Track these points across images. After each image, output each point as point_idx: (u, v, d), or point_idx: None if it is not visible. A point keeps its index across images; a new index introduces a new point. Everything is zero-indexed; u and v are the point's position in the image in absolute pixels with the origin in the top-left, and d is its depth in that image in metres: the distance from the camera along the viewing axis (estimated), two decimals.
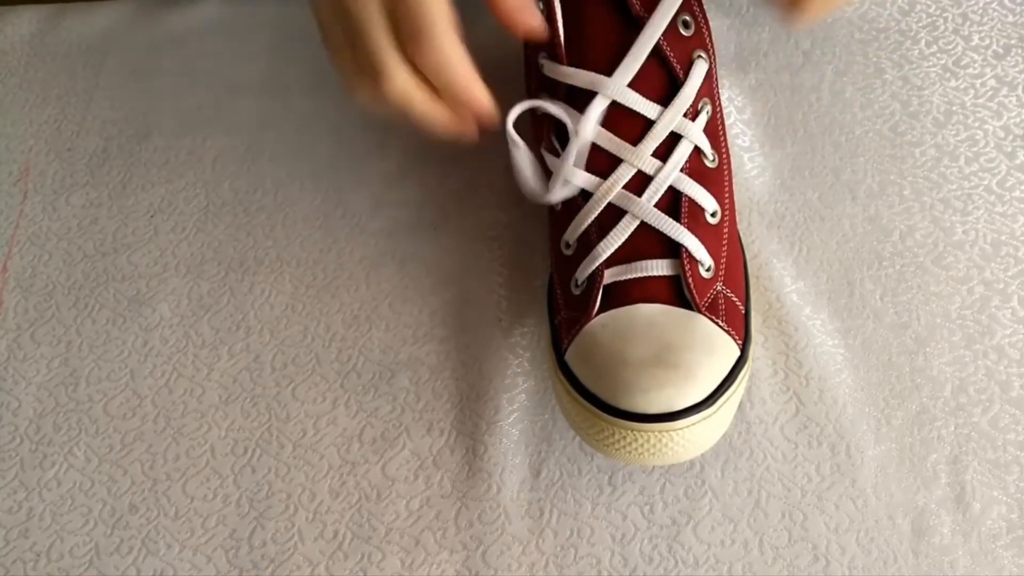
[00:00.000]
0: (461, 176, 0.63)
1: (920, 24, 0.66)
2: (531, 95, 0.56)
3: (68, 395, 0.57)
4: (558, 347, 0.50)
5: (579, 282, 0.50)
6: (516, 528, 0.51)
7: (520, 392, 0.54)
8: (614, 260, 0.49)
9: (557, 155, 0.52)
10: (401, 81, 0.45)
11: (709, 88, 0.53)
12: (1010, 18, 0.65)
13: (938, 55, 0.64)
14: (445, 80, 0.45)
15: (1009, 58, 0.63)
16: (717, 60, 0.61)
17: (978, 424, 0.51)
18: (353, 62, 0.46)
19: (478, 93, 0.46)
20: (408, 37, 0.44)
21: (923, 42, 0.65)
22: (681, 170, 0.50)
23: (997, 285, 0.55)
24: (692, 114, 0.51)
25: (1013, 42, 0.64)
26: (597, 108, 0.50)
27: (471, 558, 0.50)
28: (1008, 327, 0.54)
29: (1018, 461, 0.50)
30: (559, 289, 0.52)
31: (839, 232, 0.58)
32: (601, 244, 0.49)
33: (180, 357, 0.58)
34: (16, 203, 0.66)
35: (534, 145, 0.54)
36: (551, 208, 0.54)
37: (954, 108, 0.62)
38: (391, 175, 0.64)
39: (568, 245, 0.51)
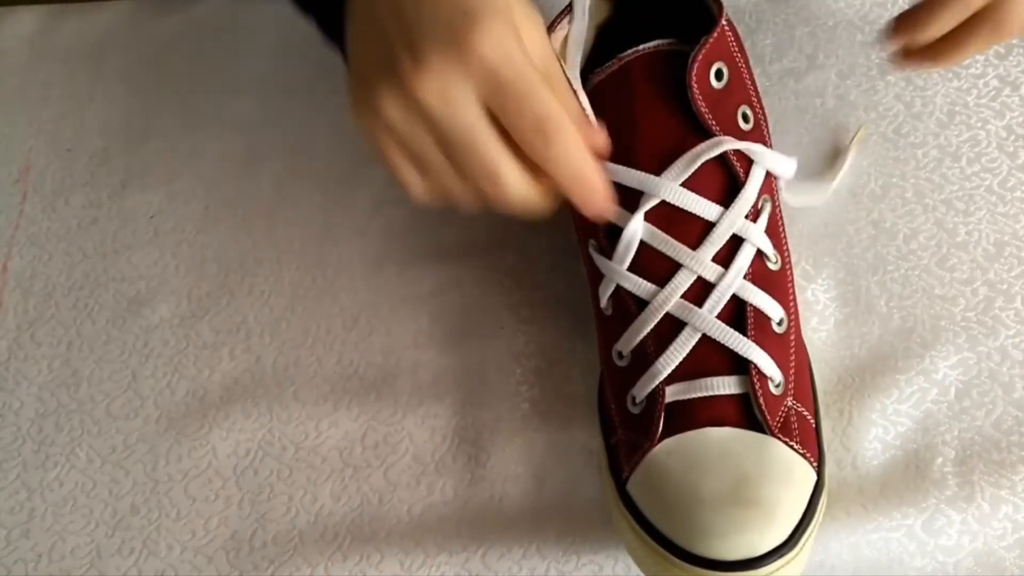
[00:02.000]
0: None
1: None
2: None
3: (70, 395, 0.57)
4: (618, 473, 0.47)
5: (637, 400, 0.47)
6: (517, 532, 0.50)
7: (523, 401, 0.54)
8: (675, 376, 0.46)
9: (605, 254, 0.49)
10: (517, 182, 0.41)
11: (768, 184, 0.50)
12: None
13: None
14: (571, 171, 0.41)
15: (1011, 58, 0.63)
16: None
17: (982, 428, 0.51)
18: (441, 172, 0.42)
19: (599, 182, 0.42)
20: (532, 133, 0.40)
21: None
22: (744, 276, 0.47)
23: (1001, 286, 0.55)
24: (753, 214, 0.48)
25: (1015, 42, 0.64)
26: (646, 208, 0.47)
27: (470, 560, 0.50)
28: (1012, 327, 0.54)
29: None
30: (613, 404, 0.49)
31: (844, 238, 0.57)
32: (661, 359, 0.46)
33: (181, 358, 0.58)
34: (16, 203, 0.66)
35: (581, 241, 0.52)
36: (598, 310, 0.50)
37: (957, 108, 0.61)
38: (391, 176, 0.64)
39: (621, 356, 0.48)
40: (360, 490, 0.52)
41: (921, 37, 0.48)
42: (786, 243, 0.51)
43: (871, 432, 0.51)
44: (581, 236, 0.52)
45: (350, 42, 0.43)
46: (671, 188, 0.47)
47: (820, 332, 0.55)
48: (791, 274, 0.50)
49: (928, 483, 0.50)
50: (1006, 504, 0.49)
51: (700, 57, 0.48)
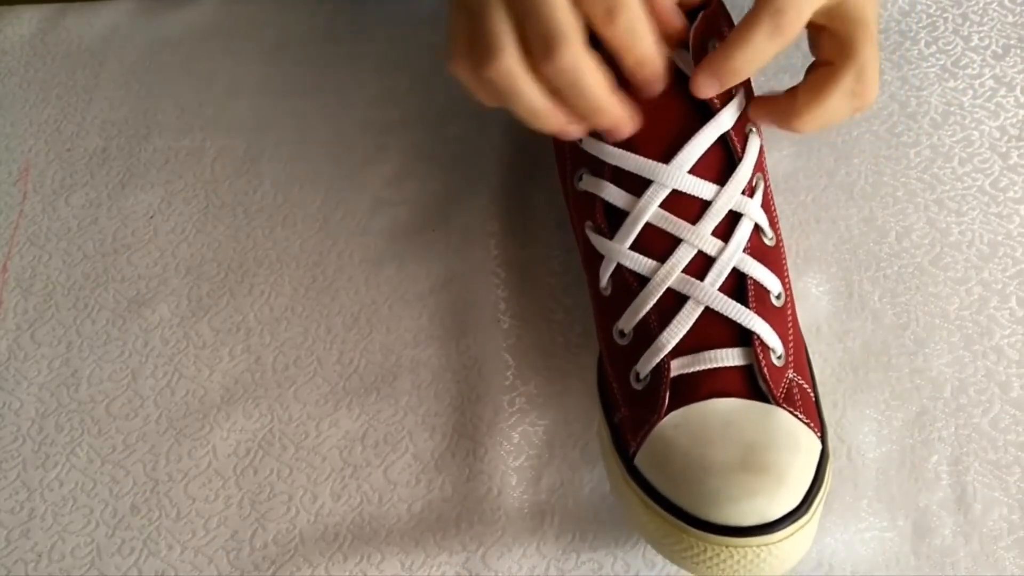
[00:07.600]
0: (461, 177, 0.63)
1: (920, 24, 0.66)
2: (561, 158, 0.54)
3: (70, 395, 0.57)
4: (623, 450, 0.47)
5: (641, 376, 0.47)
6: (517, 531, 0.51)
7: (520, 395, 0.54)
8: (679, 350, 0.46)
9: (605, 235, 0.49)
10: (509, 62, 0.42)
11: (761, 163, 0.50)
12: (1010, 18, 0.65)
13: (937, 55, 0.64)
14: (577, 90, 0.43)
15: (1008, 58, 0.64)
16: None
17: (979, 425, 0.51)
18: (467, 37, 0.43)
19: (611, 103, 0.44)
20: (540, 46, 0.41)
21: (923, 42, 0.65)
22: (744, 250, 0.47)
23: (995, 286, 0.55)
24: (749, 191, 0.48)
25: (1012, 42, 0.64)
26: (656, 197, 0.47)
27: (471, 560, 0.50)
28: (1007, 327, 0.54)
29: (1019, 462, 0.50)
30: (615, 383, 0.49)
31: (835, 234, 0.58)
32: (664, 333, 0.46)
33: (181, 358, 0.58)
34: (16, 203, 0.66)
35: (576, 224, 0.52)
36: (596, 292, 0.50)
37: (952, 109, 0.62)
38: (391, 176, 0.64)
39: (623, 334, 0.48)
40: (360, 489, 0.53)
41: (734, 66, 0.46)
42: (778, 222, 0.51)
43: (865, 426, 0.52)
44: (576, 218, 0.52)
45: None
46: (679, 177, 0.47)
47: (812, 326, 0.55)
48: (784, 251, 0.50)
49: (922, 482, 0.50)
50: (1000, 505, 0.49)
51: (694, 29, 0.48)
